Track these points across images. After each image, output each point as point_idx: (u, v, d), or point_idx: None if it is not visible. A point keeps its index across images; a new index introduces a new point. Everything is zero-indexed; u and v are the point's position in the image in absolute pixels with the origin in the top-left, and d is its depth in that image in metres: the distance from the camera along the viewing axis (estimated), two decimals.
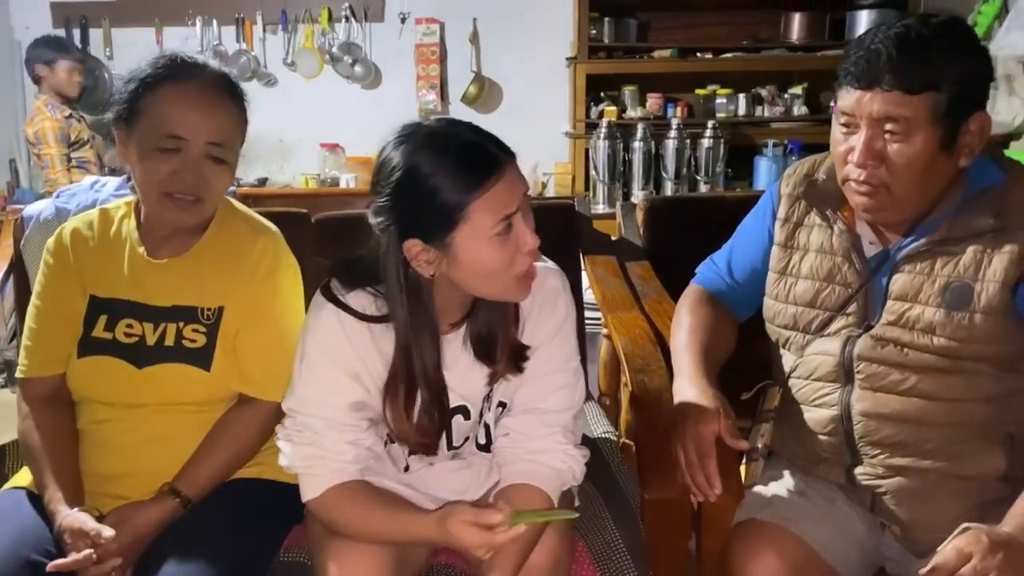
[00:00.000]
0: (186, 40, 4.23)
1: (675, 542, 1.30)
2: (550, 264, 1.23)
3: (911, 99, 1.11)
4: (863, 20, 3.98)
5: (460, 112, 4.30)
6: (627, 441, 1.57)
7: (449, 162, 1.04)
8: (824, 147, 1.29)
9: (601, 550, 1.27)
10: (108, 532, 1.17)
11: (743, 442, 1.23)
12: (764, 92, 4.25)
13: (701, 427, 1.22)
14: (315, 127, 4.34)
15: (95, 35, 4.31)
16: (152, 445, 1.28)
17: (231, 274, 1.31)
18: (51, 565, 1.14)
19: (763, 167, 4.05)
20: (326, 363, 1.15)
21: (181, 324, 1.29)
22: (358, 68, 4.33)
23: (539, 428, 1.19)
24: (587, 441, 1.52)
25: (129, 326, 1.29)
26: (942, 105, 1.11)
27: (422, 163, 1.05)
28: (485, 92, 4.30)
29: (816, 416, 1.29)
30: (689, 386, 1.30)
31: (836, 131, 1.21)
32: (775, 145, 4.06)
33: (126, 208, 1.36)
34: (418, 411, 1.17)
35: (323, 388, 1.15)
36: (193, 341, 1.29)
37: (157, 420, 1.28)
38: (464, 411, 1.23)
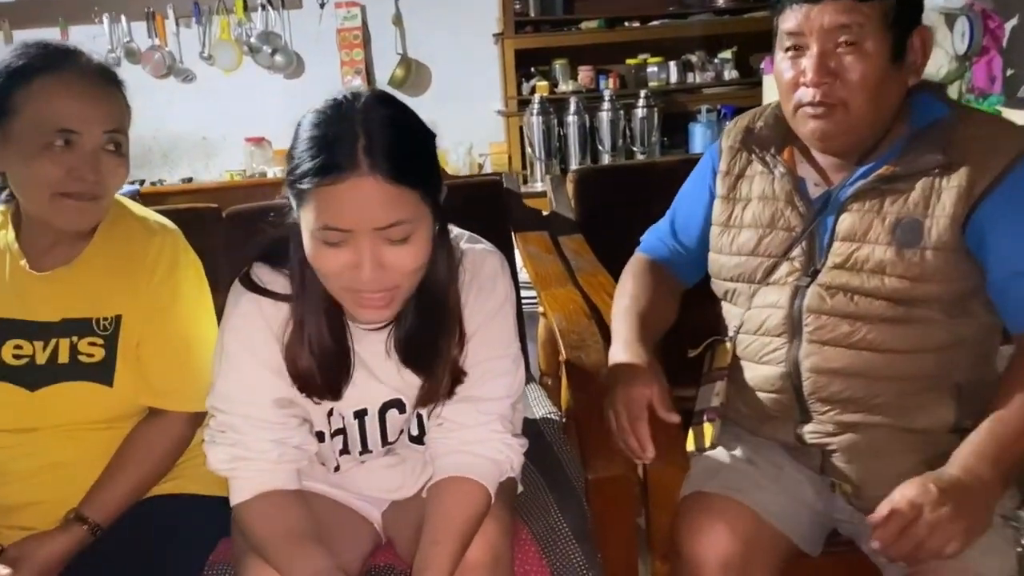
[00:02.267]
0: (94, 39, 4.03)
1: (621, 521, 1.25)
2: (488, 246, 1.16)
3: (861, 5, 1.10)
4: None
5: None
6: (568, 421, 1.51)
7: (304, 139, 0.96)
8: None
9: (545, 535, 1.21)
10: (4, 571, 1.07)
11: (674, 415, 1.19)
12: (694, 58, 4.25)
13: (631, 390, 1.19)
14: (239, 121, 4.19)
15: None
16: (55, 470, 1.18)
17: (126, 279, 1.21)
18: None
19: (698, 133, 4.04)
20: (246, 356, 1.08)
21: (75, 338, 1.19)
22: (279, 57, 4.18)
23: (475, 416, 1.12)
24: (529, 423, 1.47)
25: (17, 347, 1.19)
26: (891, 12, 1.11)
27: (302, 124, 0.98)
28: (412, 74, 4.19)
29: (764, 373, 1.25)
30: (623, 351, 1.27)
31: (781, 61, 1.18)
32: (709, 111, 4.07)
33: (1, 218, 1.25)
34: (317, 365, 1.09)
35: (244, 384, 1.08)
36: (91, 355, 1.19)
37: (59, 443, 1.18)
38: (398, 404, 1.15)
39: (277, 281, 1.08)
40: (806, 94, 1.15)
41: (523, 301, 1.86)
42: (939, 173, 1.14)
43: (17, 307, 1.20)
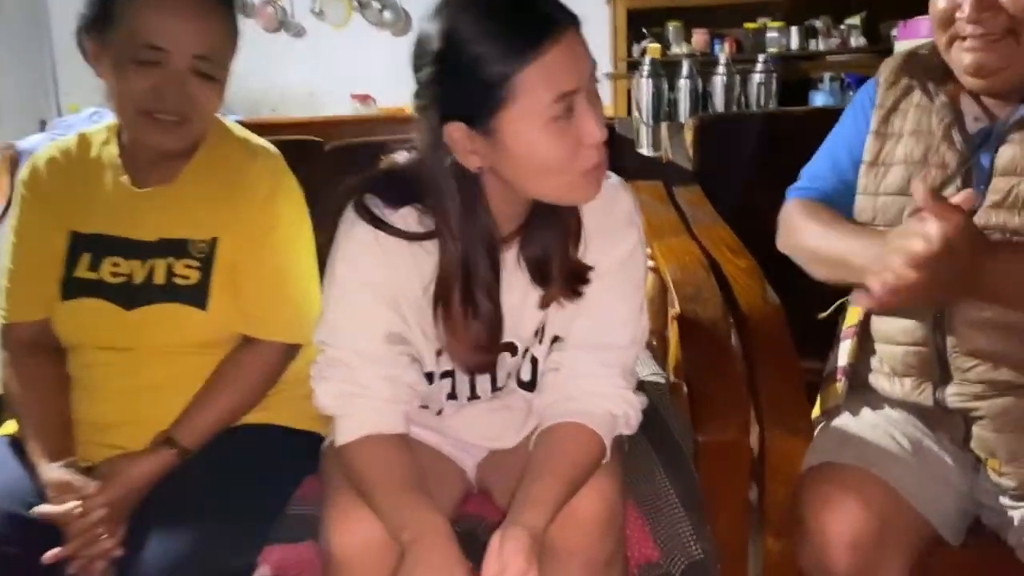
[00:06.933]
0: None
1: (734, 490, 1.16)
2: (617, 180, 1.05)
3: None
4: None
5: None
6: (676, 381, 1.41)
7: (493, 25, 0.87)
8: None
9: (650, 501, 1.12)
10: (93, 484, 1.06)
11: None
12: (818, 24, 4.02)
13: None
14: (345, 78, 4.20)
15: None
16: (148, 391, 1.16)
17: (224, 201, 1.17)
18: (35, 510, 1.05)
19: (819, 102, 3.82)
20: (359, 288, 1.00)
21: (171, 260, 1.16)
22: (387, 14, 4.19)
23: (595, 367, 1.03)
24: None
25: (115, 264, 1.17)
26: None
27: (461, 28, 0.89)
28: None
29: (904, 325, 1.13)
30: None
31: None
32: (832, 79, 3.84)
33: (107, 133, 1.23)
34: (475, 326, 1.01)
35: (356, 317, 1.01)
36: (185, 278, 1.16)
37: (153, 365, 1.16)
38: (511, 348, 1.07)
39: (393, 212, 0.99)
40: (964, 28, 1.03)
41: None
42: None
43: (118, 224, 1.18)
